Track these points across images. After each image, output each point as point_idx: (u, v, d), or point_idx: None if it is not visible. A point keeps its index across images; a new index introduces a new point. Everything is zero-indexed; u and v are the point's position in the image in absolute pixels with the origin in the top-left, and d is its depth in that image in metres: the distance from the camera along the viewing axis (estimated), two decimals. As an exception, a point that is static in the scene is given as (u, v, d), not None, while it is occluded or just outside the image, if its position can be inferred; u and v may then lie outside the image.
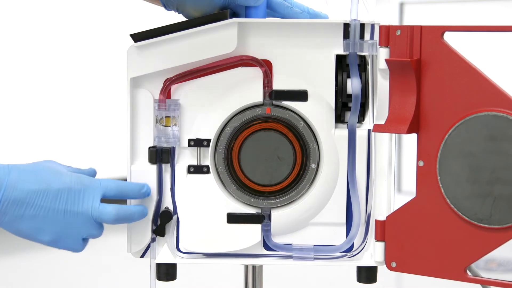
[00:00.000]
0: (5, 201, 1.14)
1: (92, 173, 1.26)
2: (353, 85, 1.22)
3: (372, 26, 1.21)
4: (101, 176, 1.23)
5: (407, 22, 4.43)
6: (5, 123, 4.02)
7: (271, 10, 1.26)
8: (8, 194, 1.14)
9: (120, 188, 1.22)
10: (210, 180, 1.25)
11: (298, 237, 1.26)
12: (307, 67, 1.23)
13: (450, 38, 1.17)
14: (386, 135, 1.23)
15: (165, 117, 1.24)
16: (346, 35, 1.22)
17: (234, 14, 1.26)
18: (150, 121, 1.25)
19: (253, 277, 1.35)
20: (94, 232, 1.20)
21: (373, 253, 1.25)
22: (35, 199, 1.16)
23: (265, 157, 1.24)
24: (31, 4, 4.01)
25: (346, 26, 1.22)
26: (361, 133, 1.24)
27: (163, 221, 1.25)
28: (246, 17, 1.25)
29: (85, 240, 1.21)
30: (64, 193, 1.17)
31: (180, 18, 1.26)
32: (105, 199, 1.21)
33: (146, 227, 1.25)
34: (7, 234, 1.18)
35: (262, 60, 1.23)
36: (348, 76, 1.23)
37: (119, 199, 1.23)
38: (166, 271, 1.27)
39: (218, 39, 1.21)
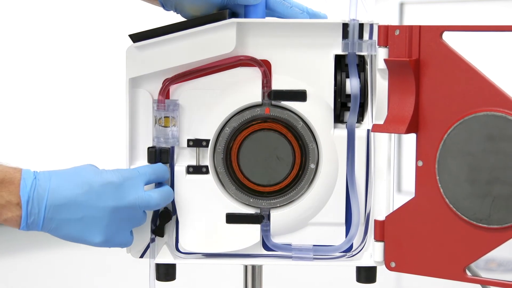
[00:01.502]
0: (50, 207, 1.14)
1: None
2: (352, 85, 1.22)
3: (371, 26, 1.21)
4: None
5: (407, 22, 4.44)
6: (5, 123, 4.02)
7: (270, 10, 1.26)
8: (52, 200, 1.14)
9: (156, 171, 1.22)
10: (209, 180, 1.25)
11: (297, 237, 1.26)
12: (306, 67, 1.23)
13: (449, 38, 1.17)
14: (385, 135, 1.23)
15: (164, 117, 1.24)
16: (345, 35, 1.22)
17: (233, 14, 1.26)
18: (149, 122, 1.25)
19: (253, 277, 1.35)
20: (141, 221, 1.21)
21: (372, 253, 1.25)
22: (80, 201, 1.15)
23: (264, 157, 1.24)
24: (31, 4, 4.01)
25: (345, 26, 1.22)
26: (360, 133, 1.24)
27: (162, 221, 1.25)
28: (245, 16, 1.25)
29: (131, 232, 1.21)
30: (107, 189, 1.16)
31: (179, 18, 1.26)
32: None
33: (145, 227, 1.25)
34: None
35: (261, 60, 1.23)
36: (347, 76, 1.23)
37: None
38: (166, 272, 1.27)
39: (217, 39, 1.21)
